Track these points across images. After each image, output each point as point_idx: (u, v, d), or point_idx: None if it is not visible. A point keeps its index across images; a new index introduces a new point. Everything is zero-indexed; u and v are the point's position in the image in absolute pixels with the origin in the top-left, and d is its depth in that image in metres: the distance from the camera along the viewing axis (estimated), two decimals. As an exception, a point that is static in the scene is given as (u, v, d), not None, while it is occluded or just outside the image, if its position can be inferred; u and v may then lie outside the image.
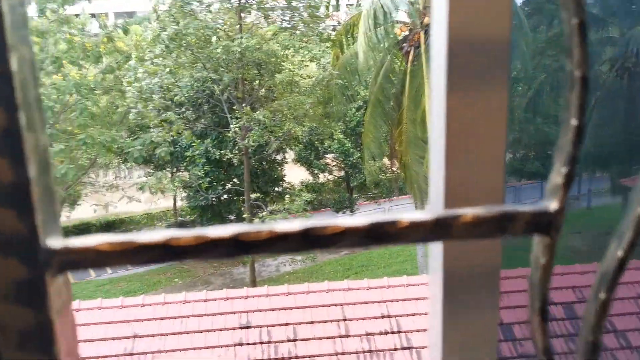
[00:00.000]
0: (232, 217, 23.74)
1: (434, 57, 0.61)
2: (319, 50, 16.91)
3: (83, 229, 30.10)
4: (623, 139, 21.06)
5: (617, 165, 21.21)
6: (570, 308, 8.03)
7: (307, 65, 16.88)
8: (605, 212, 27.57)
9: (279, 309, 8.02)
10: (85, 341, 7.48)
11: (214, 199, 21.13)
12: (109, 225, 30.80)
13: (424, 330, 7.77)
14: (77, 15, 21.75)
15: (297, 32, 17.72)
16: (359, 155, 25.79)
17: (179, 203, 26.31)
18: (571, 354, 7.53)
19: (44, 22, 20.24)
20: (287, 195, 17.29)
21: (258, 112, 15.86)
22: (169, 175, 24.32)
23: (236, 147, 18.99)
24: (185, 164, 22.04)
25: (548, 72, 23.42)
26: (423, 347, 7.58)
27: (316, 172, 27.36)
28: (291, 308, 8.05)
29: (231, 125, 16.40)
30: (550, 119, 29.45)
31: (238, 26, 16.94)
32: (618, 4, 21.34)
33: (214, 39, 15.52)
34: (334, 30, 19.08)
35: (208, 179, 20.74)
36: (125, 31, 24.43)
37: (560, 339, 7.70)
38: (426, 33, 15.86)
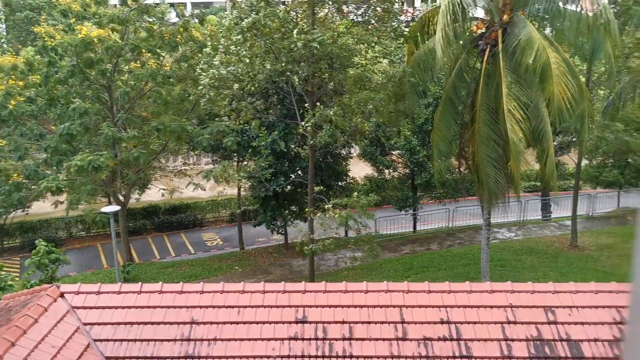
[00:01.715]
0: (294, 208, 23.87)
1: None
2: (392, 46, 16.60)
3: (151, 211, 31.16)
4: None
5: None
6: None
7: (380, 61, 16.61)
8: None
9: (336, 306, 7.91)
10: (144, 324, 7.64)
11: (277, 190, 21.27)
12: (174, 209, 31.75)
13: (484, 340, 7.46)
14: (156, 5, 22.39)
15: (370, 27, 17.46)
16: (425, 153, 25.31)
17: (243, 192, 26.70)
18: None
19: (125, 11, 20.96)
20: (355, 193, 17.08)
21: (330, 110, 15.74)
22: (235, 164, 24.72)
23: (303, 140, 19.00)
24: (250, 154, 22.30)
25: (632, 76, 22.09)
26: (483, 357, 7.27)
27: (381, 168, 27.06)
28: (348, 306, 7.92)
29: (301, 123, 16.40)
30: (631, 126, 27.88)
31: (311, 19, 16.88)
32: None
33: (295, 32, 15.51)
34: (407, 26, 18.70)
35: (272, 170, 20.90)
36: (202, 21, 24.97)
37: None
38: (504, 31, 15.27)
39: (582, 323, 7.59)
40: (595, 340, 7.39)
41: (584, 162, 27.94)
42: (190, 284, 8.27)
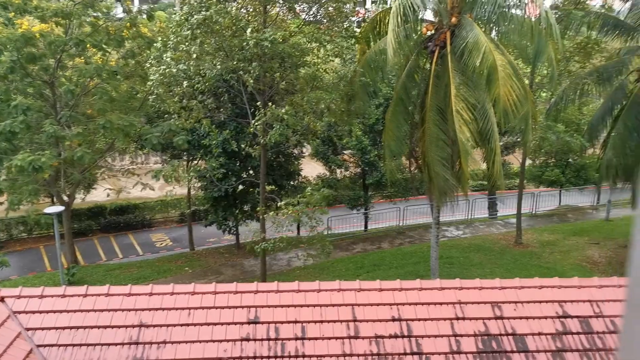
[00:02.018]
0: (246, 208, 23.67)
1: None
2: (344, 45, 16.68)
3: (97, 211, 30.29)
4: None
5: (638, 177, 20.77)
6: (586, 322, 7.80)
7: (332, 61, 16.66)
8: (624, 224, 27.14)
9: (289, 306, 7.89)
10: (90, 327, 7.41)
11: (228, 189, 21.05)
12: (122, 210, 30.97)
13: (434, 336, 7.59)
14: (102, 0, 21.75)
15: (322, 26, 17.50)
16: (376, 153, 25.60)
17: (194, 192, 26.31)
18: (586, 371, 7.31)
19: (69, 4, 20.28)
20: (308, 188, 17.06)
21: (282, 110, 15.68)
22: (185, 163, 24.31)
23: (254, 140, 18.86)
24: (201, 153, 21.98)
25: (573, 79, 23.00)
26: (433, 353, 7.40)
27: (333, 167, 27.20)
28: (301, 305, 7.91)
29: (252, 122, 16.26)
30: (571, 127, 29.02)
31: (262, 17, 16.78)
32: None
33: (247, 30, 15.36)
34: (359, 26, 18.83)
35: (223, 170, 20.67)
36: (150, 17, 24.41)
37: (575, 353, 7.48)
38: (453, 33, 15.59)
39: (526, 317, 7.84)
40: (539, 333, 7.64)
41: (528, 161, 28.87)
42: (138, 286, 8.08)
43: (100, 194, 27.09)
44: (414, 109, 17.34)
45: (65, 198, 22.63)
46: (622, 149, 20.49)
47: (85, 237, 28.83)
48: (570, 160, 31.27)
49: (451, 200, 16.98)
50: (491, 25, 16.42)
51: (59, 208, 18.08)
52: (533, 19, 14.81)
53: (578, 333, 7.68)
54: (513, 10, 15.26)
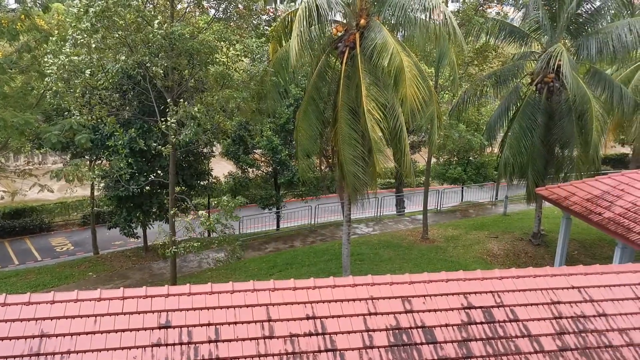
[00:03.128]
0: (154, 209, 22.94)
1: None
2: (254, 45, 16.57)
3: (-11, 216, 28.23)
4: (540, 150, 22.09)
5: (532, 174, 22.23)
6: (489, 312, 8.24)
7: (242, 60, 16.49)
8: (519, 218, 28.95)
9: (202, 309, 7.73)
10: (-14, 340, 6.89)
11: (135, 190, 20.29)
12: (17, 213, 29.04)
13: (348, 332, 7.72)
14: (-8, -12, 20.28)
15: (232, 24, 17.28)
16: (287, 152, 25.66)
17: (97, 192, 25.12)
18: (490, 357, 7.71)
19: (-46, -8, 18.72)
20: (224, 197, 16.78)
21: (194, 107, 15.30)
22: (88, 163, 23.16)
23: (164, 138, 18.29)
24: (106, 153, 21.02)
25: (472, 82, 24.22)
26: (347, 349, 7.52)
27: (244, 167, 26.97)
28: (214, 307, 7.77)
29: (162, 119, 15.75)
30: (471, 127, 30.60)
31: (170, 11, 16.30)
32: (540, 21, 22.36)
33: (155, 23, 14.78)
34: (269, 25, 18.78)
35: (130, 170, 19.90)
36: (46, 9, 23.01)
37: (479, 342, 7.87)
38: (362, 35, 15.92)
39: (434, 310, 8.16)
40: (447, 325, 7.98)
41: (433, 160, 30.08)
42: (38, 294, 7.62)
43: (-8, 197, 25.25)
44: (325, 107, 17.55)
45: (-48, 202, 20.90)
46: (518, 148, 21.85)
47: (-25, 243, 26.80)
48: (471, 158, 32.93)
49: (363, 198, 17.36)
50: (398, 28, 16.93)
51: (-55, 213, 16.66)
52: (437, 24, 15.42)
53: (482, 323, 8.09)
54: (418, 14, 15.82)
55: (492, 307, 8.35)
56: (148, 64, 15.35)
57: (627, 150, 40.27)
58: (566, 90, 20.53)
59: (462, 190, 34.31)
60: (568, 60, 19.75)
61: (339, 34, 16.73)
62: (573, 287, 8.76)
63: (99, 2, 14.52)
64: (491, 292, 8.57)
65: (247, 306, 7.85)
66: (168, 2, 16.33)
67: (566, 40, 22.46)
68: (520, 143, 21.81)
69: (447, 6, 17.57)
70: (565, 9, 21.35)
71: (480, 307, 8.30)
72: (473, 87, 23.77)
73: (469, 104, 24.61)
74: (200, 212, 16.08)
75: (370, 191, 17.41)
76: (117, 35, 15.35)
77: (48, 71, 15.50)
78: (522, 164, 22.07)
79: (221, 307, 7.78)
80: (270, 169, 27.32)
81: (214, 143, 24.40)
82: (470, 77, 25.17)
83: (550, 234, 24.86)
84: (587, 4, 22.30)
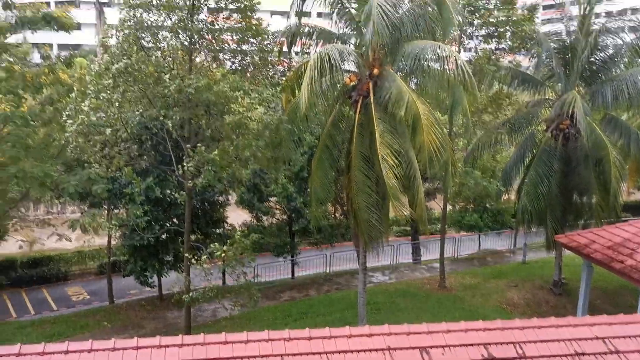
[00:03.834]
0: (169, 258, 22.94)
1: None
2: (269, 94, 16.91)
3: (7, 265, 28.37)
4: (558, 197, 21.89)
5: (551, 222, 21.95)
6: (510, 363, 8.00)
7: (257, 108, 16.81)
8: (539, 266, 28.44)
9: (216, 359, 7.60)
10: (-2, 392, 6.82)
11: (151, 239, 20.36)
12: (35, 262, 29.19)
13: (365, 383, 7.52)
14: (18, 45, 21.05)
15: (247, 74, 17.69)
16: (301, 200, 25.71)
17: (114, 242, 25.22)
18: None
19: (-20, 49, 19.44)
20: (237, 233, 16.84)
21: (211, 153, 15.56)
22: (105, 212, 23.38)
23: (180, 187, 18.48)
24: (123, 201, 21.24)
25: (487, 129, 24.32)
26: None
27: (259, 215, 27.00)
28: (228, 358, 7.64)
29: (179, 166, 16.00)
30: (487, 173, 30.53)
31: (188, 65, 16.76)
32: (553, 69, 22.56)
33: (166, 77, 15.25)
34: (284, 75, 19.18)
35: (146, 218, 20.04)
36: (69, 63, 23.77)
37: (501, 395, 7.62)
38: (375, 84, 16.16)
39: (454, 361, 7.93)
40: (467, 377, 7.74)
41: (449, 207, 29.92)
42: (53, 344, 7.56)
43: (11, 246, 25.43)
44: (339, 155, 17.67)
45: (-29, 251, 21.12)
46: (535, 195, 21.67)
47: (-7, 292, 26.85)
48: (487, 205, 32.69)
49: (378, 246, 17.23)
50: (411, 76, 17.18)
51: (-37, 262, 16.80)
52: (450, 72, 15.64)
53: (503, 374, 7.85)
54: (432, 64, 16.07)
55: (514, 358, 8.11)
56: (163, 118, 15.71)
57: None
58: (582, 136, 20.49)
59: (479, 238, 33.90)
60: (582, 107, 19.79)
61: (352, 83, 16.99)
62: (597, 338, 8.50)
63: (124, 61, 15.02)
64: (512, 342, 8.34)
65: (262, 356, 7.70)
66: (186, 56, 16.81)
67: (580, 88, 22.59)
68: (538, 190, 21.66)
69: (460, 55, 17.84)
70: (579, 57, 21.56)
71: (502, 359, 8.06)
72: (487, 134, 23.85)
73: (484, 150, 24.63)
74: (215, 245, 16.09)
75: (385, 239, 17.30)
76: (136, 89, 15.79)
77: (68, 129, 15.92)
78: (540, 211, 21.85)
79: (235, 358, 7.65)
80: (285, 217, 27.32)
81: (230, 191, 24.57)
82: (485, 124, 25.29)
83: (571, 282, 24.34)
84: (600, 53, 22.49)
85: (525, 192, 21.96)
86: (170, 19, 16.27)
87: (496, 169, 30.54)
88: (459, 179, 25.35)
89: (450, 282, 25.78)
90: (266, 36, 17.35)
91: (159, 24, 16.30)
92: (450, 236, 31.54)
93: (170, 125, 15.59)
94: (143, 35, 16.21)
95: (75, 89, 18.00)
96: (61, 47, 62.47)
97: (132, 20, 15.87)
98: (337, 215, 28.65)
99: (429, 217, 33.94)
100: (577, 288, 20.81)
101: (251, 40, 17.37)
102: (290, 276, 28.32)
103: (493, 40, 24.46)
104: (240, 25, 17.16)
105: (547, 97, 23.67)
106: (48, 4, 24.39)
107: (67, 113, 16.59)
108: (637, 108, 24.09)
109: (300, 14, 17.92)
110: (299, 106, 15.73)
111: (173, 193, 17.63)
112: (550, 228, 21.96)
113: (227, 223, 25.41)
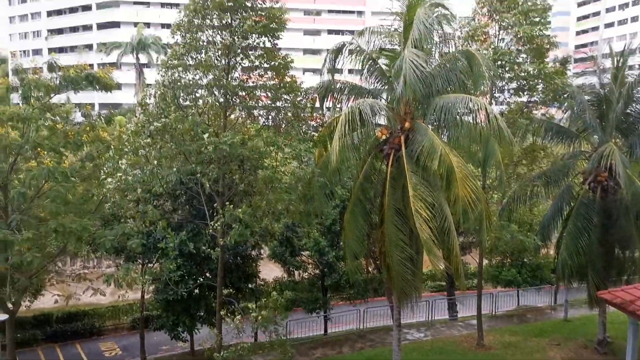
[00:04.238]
0: (201, 313, 22.83)
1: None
2: (302, 149, 17.15)
3: (42, 319, 28.62)
4: (599, 251, 21.21)
5: (593, 277, 21.19)
6: None
7: (290, 163, 17.04)
8: (582, 324, 27.27)
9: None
10: None
11: (184, 293, 20.36)
12: (70, 317, 29.39)
13: None
14: (62, 105, 21.90)
15: (281, 130, 18.02)
16: (334, 254, 25.47)
17: (148, 296, 25.30)
18: None
19: (27, 109, 20.26)
20: (273, 293, 16.78)
21: (239, 210, 15.72)
22: (140, 267, 23.56)
23: (213, 241, 18.60)
24: (157, 255, 21.42)
25: (522, 182, 23.98)
26: None
27: (291, 269, 26.81)
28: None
29: (210, 223, 16.20)
30: (524, 227, 29.83)
31: (222, 121, 17.18)
32: (588, 122, 22.33)
33: (205, 135, 15.68)
34: (316, 130, 19.47)
35: (180, 272, 20.12)
36: (109, 121, 24.61)
37: None
38: (407, 137, 16.22)
39: None
40: None
41: (485, 261, 29.23)
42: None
43: (47, 301, 25.69)
44: (372, 209, 17.60)
45: (9, 306, 21.41)
46: (575, 249, 21.05)
47: (29, 347, 27.03)
48: (525, 260, 31.81)
49: (413, 301, 16.86)
50: (443, 129, 17.22)
51: (2, 316, 17.03)
52: (482, 125, 15.63)
53: None
54: (463, 117, 16.12)
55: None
56: (199, 175, 16.03)
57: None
58: (621, 189, 20.01)
59: (518, 294, 32.82)
60: (620, 159, 19.42)
61: (384, 137, 17.09)
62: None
63: (162, 120, 15.54)
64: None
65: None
66: (221, 113, 17.26)
67: (617, 139, 22.24)
68: (577, 244, 21.06)
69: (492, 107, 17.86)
70: (614, 109, 21.34)
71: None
72: (523, 187, 23.50)
73: (520, 203, 24.21)
74: (249, 305, 15.99)
75: (419, 294, 16.95)
76: (173, 146, 16.23)
77: (107, 186, 16.36)
78: (580, 265, 21.17)
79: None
80: (317, 271, 27.06)
81: (262, 245, 24.58)
82: (519, 176, 24.96)
83: (617, 340, 23.21)
84: (636, 104, 22.24)
85: (565, 246, 21.36)
86: (206, 77, 16.83)
87: (533, 222, 29.86)
88: (494, 232, 24.84)
89: (488, 340, 24.88)
90: (299, 93, 17.76)
91: (195, 83, 16.88)
92: (487, 292, 30.65)
93: (207, 183, 15.90)
94: (179, 93, 16.78)
95: (113, 146, 18.56)
96: (102, 105, 64.98)
97: (169, 80, 16.48)
98: (370, 269, 28.23)
99: (464, 271, 33.24)
100: (623, 347, 19.81)
101: (285, 96, 17.79)
102: (322, 332, 27.78)
103: (525, 93, 24.45)
104: (274, 82, 17.63)
105: (582, 149, 23.33)
106: (91, 65, 25.55)
107: (105, 170, 17.08)
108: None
109: (333, 70, 18.31)
110: (331, 160, 15.87)
111: (206, 249, 17.77)
112: (592, 283, 21.19)
113: (259, 278, 25.29)
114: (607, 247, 21.45)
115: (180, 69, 16.60)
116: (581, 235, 21.05)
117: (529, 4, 23.37)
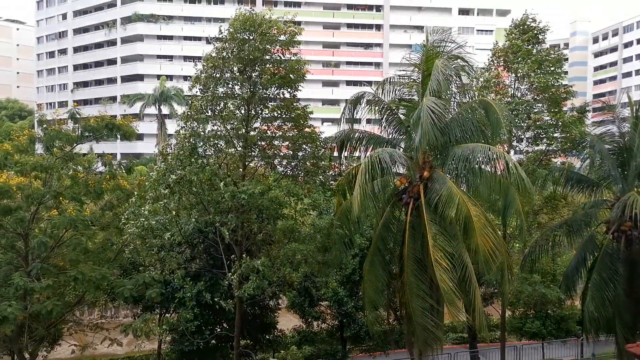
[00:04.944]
0: (217, 364, 22.42)
1: None
2: (321, 199, 17.17)
3: (59, 371, 28.34)
4: (626, 302, 20.58)
5: (621, 329, 20.49)
6: None
7: (310, 213, 17.03)
8: (611, 380, 26.20)
9: None
10: None
11: (200, 344, 20.07)
12: (86, 369, 29.05)
13: None
14: (84, 155, 22.31)
15: (300, 179, 18.10)
16: (353, 304, 25.06)
17: (164, 346, 24.98)
18: None
19: (49, 159, 20.66)
20: (293, 347, 16.51)
21: (258, 261, 15.66)
22: (157, 317, 23.37)
23: (230, 291, 18.46)
24: (174, 305, 21.27)
25: (543, 231, 23.58)
26: None
27: (309, 320, 26.38)
28: None
29: (228, 274, 16.14)
30: (547, 278, 29.16)
31: (241, 171, 17.33)
32: (608, 170, 22.08)
33: (221, 184, 15.81)
34: (335, 179, 19.51)
35: (197, 323, 19.89)
36: (129, 170, 24.92)
37: None
38: (426, 186, 16.17)
39: None
40: None
41: (508, 313, 28.50)
42: None
43: (64, 351, 25.52)
44: (391, 258, 17.41)
45: (27, 356, 21.28)
46: (601, 301, 20.45)
47: (43, 398, 26.59)
48: (549, 311, 30.98)
49: (434, 353, 16.42)
50: (462, 178, 17.14)
51: (18, 367, 16.89)
52: (501, 174, 15.56)
53: None
54: (483, 167, 16.08)
55: None
56: (218, 224, 16.08)
57: None
58: (646, 238, 19.59)
59: (543, 347, 31.79)
60: (644, 208, 19.06)
61: (403, 186, 17.06)
62: None
63: (178, 172, 15.74)
64: None
65: None
66: (240, 163, 17.43)
67: (639, 189, 21.89)
68: (603, 295, 20.46)
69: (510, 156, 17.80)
70: (635, 157, 21.12)
71: None
72: (544, 236, 23.11)
73: (542, 253, 23.75)
74: (268, 357, 15.69)
75: (441, 346, 16.50)
76: (192, 196, 16.36)
77: (128, 230, 16.45)
78: (607, 317, 20.50)
79: None
80: (336, 322, 26.58)
81: (280, 296, 24.30)
82: (540, 225, 24.57)
83: (648, 397, 22.22)
84: (657, 153, 21.96)
85: (590, 298, 20.76)
86: (226, 128, 17.09)
87: (557, 273, 29.19)
88: (516, 284, 24.30)
89: (513, 395, 23.99)
90: (319, 143, 17.91)
91: (214, 134, 17.14)
92: (510, 344, 29.76)
93: (224, 230, 15.92)
94: (199, 144, 17.03)
95: (135, 193, 18.76)
96: (124, 155, 66.16)
97: (189, 132, 16.76)
98: (390, 320, 27.68)
99: (487, 323, 32.44)
100: (656, 405, 18.94)
101: (304, 146, 17.95)
102: (342, 386, 27.04)
103: (542, 142, 24.36)
104: (293, 133, 17.83)
105: (605, 199, 22.98)
106: (114, 116, 26.15)
107: (125, 216, 17.20)
108: None
109: (351, 120, 18.49)
110: (350, 209, 15.84)
111: (221, 301, 17.62)
112: (620, 336, 20.46)
113: (277, 329, 24.90)
114: (635, 298, 20.81)
115: (199, 121, 16.90)
116: (607, 286, 20.49)
117: (543, 54, 23.60)
